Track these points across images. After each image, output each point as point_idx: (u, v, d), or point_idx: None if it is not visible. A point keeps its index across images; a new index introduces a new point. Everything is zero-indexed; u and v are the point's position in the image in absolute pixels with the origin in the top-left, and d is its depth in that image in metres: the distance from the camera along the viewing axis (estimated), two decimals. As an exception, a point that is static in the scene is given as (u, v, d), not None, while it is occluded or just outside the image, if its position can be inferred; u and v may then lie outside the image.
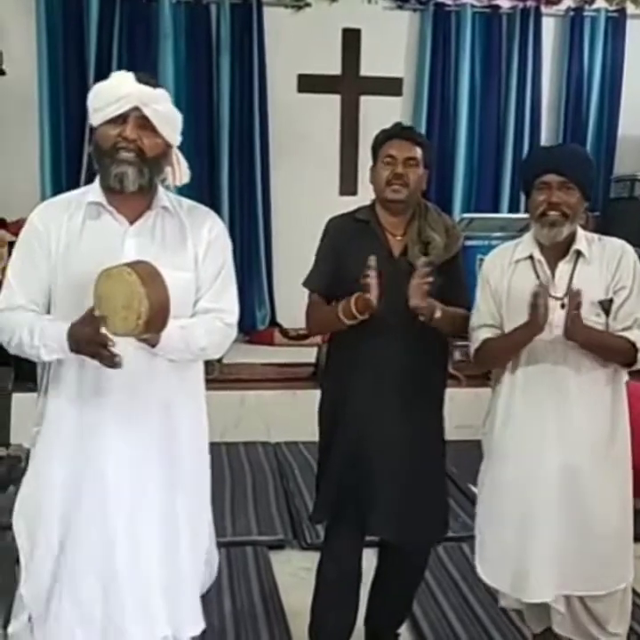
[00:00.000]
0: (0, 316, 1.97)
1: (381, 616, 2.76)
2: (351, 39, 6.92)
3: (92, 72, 6.28)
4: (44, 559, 1.97)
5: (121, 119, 1.90)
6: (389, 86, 6.99)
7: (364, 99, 6.96)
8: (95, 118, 1.92)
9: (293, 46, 6.72)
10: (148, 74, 2.00)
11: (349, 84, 6.94)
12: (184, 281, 1.97)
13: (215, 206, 6.70)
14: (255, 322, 6.94)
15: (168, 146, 1.99)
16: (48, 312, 1.99)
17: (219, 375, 5.51)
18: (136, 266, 1.79)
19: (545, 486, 2.34)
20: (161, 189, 2.04)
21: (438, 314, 2.34)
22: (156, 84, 1.95)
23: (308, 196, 6.71)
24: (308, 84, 6.87)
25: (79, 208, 1.99)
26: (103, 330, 1.80)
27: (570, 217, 2.31)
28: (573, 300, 2.19)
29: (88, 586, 1.95)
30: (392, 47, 6.97)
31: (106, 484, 1.95)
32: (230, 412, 5.09)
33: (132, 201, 1.98)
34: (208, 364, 5.61)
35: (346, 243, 2.49)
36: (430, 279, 2.30)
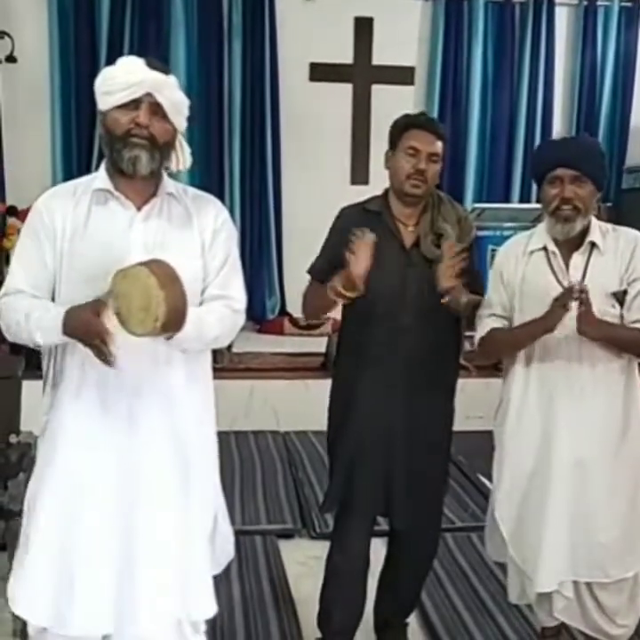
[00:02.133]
0: (2, 303, 1.97)
1: (390, 605, 2.76)
2: (363, 28, 6.89)
3: (104, 60, 6.27)
4: (43, 552, 1.96)
5: (133, 105, 1.89)
6: (401, 75, 6.96)
7: (375, 88, 6.93)
8: (105, 102, 1.91)
9: (305, 35, 6.70)
10: (157, 60, 1.99)
11: (361, 73, 6.92)
12: (192, 268, 1.96)
13: (226, 194, 6.74)
14: (265, 311, 6.95)
15: (175, 131, 1.99)
16: (52, 298, 1.98)
17: (228, 364, 5.53)
18: (154, 267, 1.77)
19: (557, 476, 2.34)
20: (166, 177, 2.04)
21: (465, 298, 2.34)
22: (167, 71, 1.95)
23: (319, 185, 6.70)
24: (320, 72, 6.85)
25: (85, 194, 1.97)
26: (108, 323, 1.80)
27: (582, 211, 2.29)
28: (582, 297, 2.17)
29: (95, 573, 1.95)
30: (404, 36, 6.94)
31: (110, 475, 1.95)
32: (240, 402, 5.10)
33: (140, 187, 1.97)
34: (217, 353, 5.63)
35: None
36: (463, 255, 2.29)
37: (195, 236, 2.02)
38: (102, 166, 2.01)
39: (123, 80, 1.88)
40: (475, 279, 2.49)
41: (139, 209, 1.97)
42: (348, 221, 2.52)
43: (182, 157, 2.05)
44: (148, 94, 1.89)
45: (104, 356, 1.82)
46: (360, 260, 2.23)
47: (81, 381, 1.96)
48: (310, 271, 2.58)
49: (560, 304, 2.20)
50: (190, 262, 1.96)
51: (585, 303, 2.18)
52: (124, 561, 1.96)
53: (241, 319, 2.10)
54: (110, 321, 1.80)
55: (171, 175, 2.09)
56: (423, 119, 2.45)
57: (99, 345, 1.81)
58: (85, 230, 1.94)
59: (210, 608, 2.08)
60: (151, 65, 1.91)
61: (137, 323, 1.77)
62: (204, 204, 2.08)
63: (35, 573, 1.96)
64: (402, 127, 2.43)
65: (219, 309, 2.01)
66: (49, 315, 1.88)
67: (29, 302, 1.93)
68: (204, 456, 2.11)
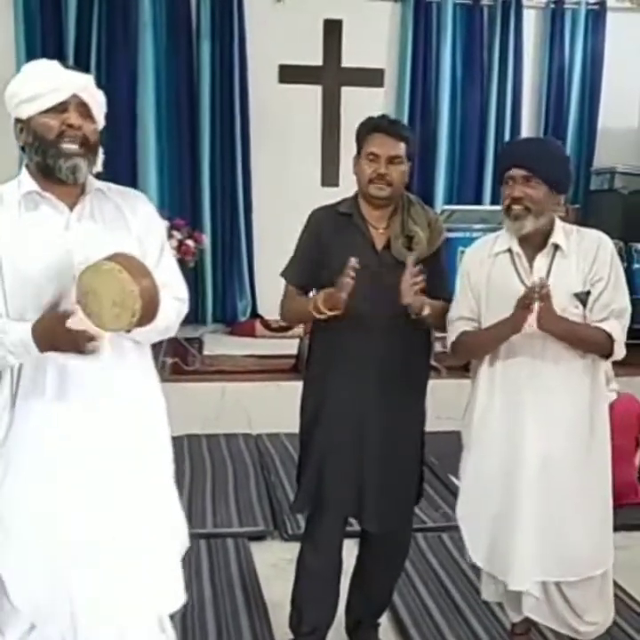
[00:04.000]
0: None
1: (362, 605, 2.77)
2: (333, 30, 6.90)
3: (71, 61, 6.22)
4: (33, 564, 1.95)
5: (60, 107, 1.87)
6: (371, 77, 6.98)
7: (345, 90, 6.94)
8: (28, 108, 1.87)
9: (275, 37, 6.69)
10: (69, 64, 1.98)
11: (331, 75, 6.93)
12: None
13: (196, 197, 6.71)
14: (236, 313, 6.93)
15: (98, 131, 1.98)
16: None
17: (200, 367, 5.51)
18: (122, 261, 1.76)
19: (524, 476, 2.36)
20: (89, 175, 2.01)
21: (427, 310, 2.36)
22: (83, 72, 1.93)
23: (289, 187, 6.70)
24: (290, 74, 6.84)
25: (13, 202, 1.93)
26: (84, 323, 1.78)
27: (533, 211, 2.32)
28: (542, 292, 2.20)
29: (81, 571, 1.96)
30: (374, 38, 6.96)
31: (82, 473, 1.95)
32: (211, 404, 5.09)
33: (68, 187, 1.94)
34: (189, 355, 5.58)
35: (328, 236, 2.48)
36: (421, 277, 2.30)
37: (130, 230, 2.01)
38: (23, 170, 1.97)
39: (46, 83, 1.85)
40: (441, 285, 2.52)
41: (70, 209, 1.95)
42: (320, 223, 2.53)
43: (99, 159, 2.02)
44: (74, 95, 1.87)
45: (91, 349, 1.81)
46: (348, 286, 2.26)
47: (42, 386, 1.93)
48: (285, 276, 2.58)
49: (523, 305, 2.22)
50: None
51: (545, 299, 2.20)
52: (125, 551, 1.98)
53: (185, 307, 2.11)
54: (81, 320, 1.79)
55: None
56: (383, 123, 2.45)
57: (84, 344, 1.79)
58: (21, 239, 1.90)
59: (177, 599, 2.10)
60: (68, 67, 1.90)
61: (111, 319, 1.76)
62: (131, 199, 2.07)
63: (37, 583, 1.95)
64: (364, 132, 2.46)
65: (166, 300, 1.99)
66: (14, 335, 1.84)
67: None
68: (162, 447, 2.12)
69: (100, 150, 2.01)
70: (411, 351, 2.51)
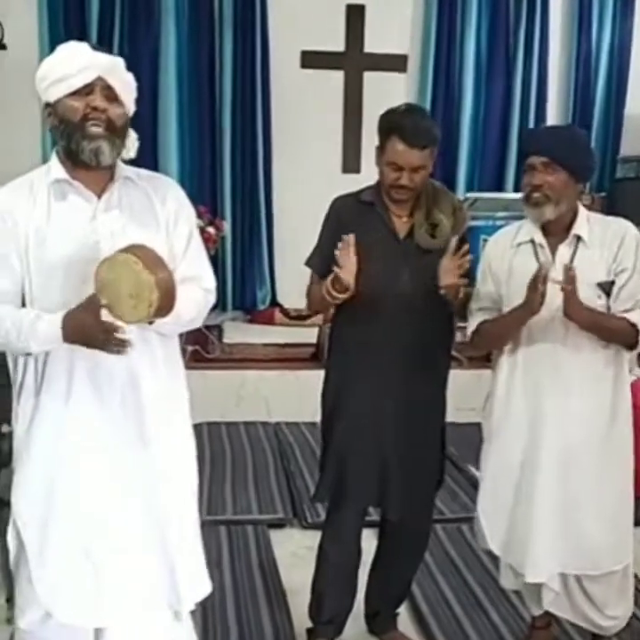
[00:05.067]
0: None
1: (381, 596, 2.77)
2: (355, 15, 6.83)
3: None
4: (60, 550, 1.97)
5: (86, 90, 1.85)
6: (394, 63, 6.92)
7: (367, 75, 6.88)
8: (55, 92, 1.86)
9: (297, 22, 6.64)
10: (100, 46, 1.95)
11: (353, 61, 6.87)
12: (160, 252, 1.90)
13: (217, 182, 6.70)
14: (256, 301, 6.92)
15: (127, 115, 1.94)
16: (22, 301, 1.93)
17: (219, 355, 5.52)
18: (138, 252, 1.76)
19: (544, 468, 2.35)
20: (119, 161, 1.99)
21: (462, 294, 2.35)
22: (111, 53, 1.91)
23: (310, 173, 6.67)
24: (312, 60, 6.79)
25: (42, 189, 1.93)
26: (105, 316, 1.78)
27: (553, 198, 2.29)
28: (567, 276, 2.17)
29: (118, 563, 1.98)
30: (397, 23, 6.88)
31: (118, 469, 1.97)
32: (231, 392, 5.09)
33: (97, 174, 1.92)
34: (209, 343, 5.59)
35: (350, 224, 2.45)
36: (468, 257, 2.28)
37: (158, 219, 1.99)
38: (54, 156, 1.96)
39: (71, 64, 1.84)
40: (467, 272, 2.49)
41: (98, 197, 1.94)
42: (342, 212, 2.51)
43: (131, 144, 2.00)
44: (100, 78, 1.85)
45: (120, 346, 1.81)
46: (346, 265, 2.26)
47: (70, 384, 1.93)
48: (309, 265, 2.57)
49: (534, 285, 2.19)
50: (158, 245, 1.91)
51: (571, 285, 2.17)
52: (153, 539, 2.00)
53: (212, 297, 2.09)
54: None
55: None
56: (407, 128, 2.30)
57: (111, 339, 1.79)
58: (49, 228, 1.90)
59: (201, 590, 2.13)
60: (96, 48, 1.87)
61: (128, 310, 1.76)
62: (161, 186, 2.05)
63: (58, 572, 1.96)
64: (386, 129, 2.37)
65: (191, 290, 1.99)
66: (42, 324, 1.84)
67: (8, 311, 1.87)
68: (185, 439, 2.13)
69: (134, 136, 1.99)
70: (432, 340, 2.49)
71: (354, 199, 2.52)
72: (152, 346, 1.99)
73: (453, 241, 2.32)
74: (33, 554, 1.96)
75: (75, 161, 1.90)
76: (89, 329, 1.80)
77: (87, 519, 1.96)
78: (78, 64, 1.83)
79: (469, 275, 2.42)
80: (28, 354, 1.91)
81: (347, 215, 2.49)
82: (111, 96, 1.87)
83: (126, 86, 1.91)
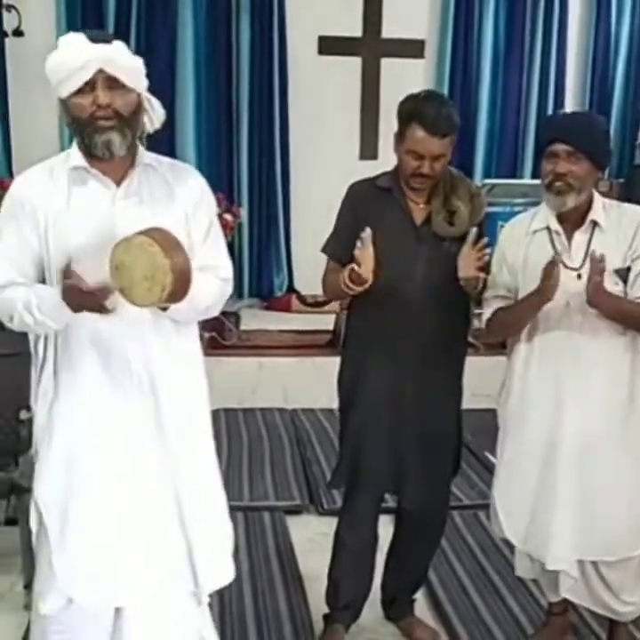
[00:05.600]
0: None
1: (398, 582, 2.77)
2: (372, 0, 6.80)
3: (111, 32, 6.22)
4: (78, 533, 1.98)
5: (89, 86, 1.83)
6: (411, 49, 6.87)
7: (385, 61, 6.85)
8: (62, 90, 1.86)
9: (314, 8, 6.62)
10: (99, 31, 1.92)
11: (371, 47, 6.84)
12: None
13: (234, 169, 6.70)
14: (273, 288, 6.93)
15: (139, 95, 1.93)
16: (43, 282, 1.95)
17: (236, 342, 5.54)
18: (155, 234, 1.75)
19: (562, 454, 2.34)
20: (141, 147, 1.99)
21: (481, 285, 2.34)
22: (111, 39, 1.87)
23: (327, 160, 6.65)
24: (329, 46, 6.76)
25: (62, 174, 1.94)
26: (113, 299, 1.79)
27: (575, 187, 2.27)
28: (595, 266, 2.17)
29: (136, 543, 2.00)
30: (414, 9, 6.85)
31: (139, 449, 1.99)
32: (248, 379, 5.11)
33: (116, 161, 1.92)
34: (226, 330, 5.60)
35: (367, 210, 2.44)
36: (488, 250, 2.27)
37: (177, 206, 1.99)
38: (74, 143, 1.96)
39: (71, 63, 1.82)
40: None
41: (118, 184, 1.94)
42: (358, 197, 2.50)
43: (154, 115, 1.99)
44: (100, 70, 1.82)
45: (106, 308, 1.82)
46: (366, 261, 2.25)
47: (86, 362, 1.95)
48: (325, 251, 2.57)
49: (548, 273, 2.18)
50: (176, 233, 1.90)
51: (598, 274, 2.16)
52: (172, 525, 2.01)
53: (229, 287, 2.09)
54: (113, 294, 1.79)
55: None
56: (428, 115, 2.28)
57: (103, 305, 1.81)
58: (68, 212, 1.91)
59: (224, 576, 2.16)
60: (93, 38, 1.84)
61: (142, 293, 1.76)
62: (182, 174, 2.05)
63: (78, 554, 1.98)
64: (406, 116, 2.34)
65: (208, 279, 1.99)
66: (46, 303, 1.86)
67: (21, 293, 1.90)
68: (203, 427, 2.13)
69: (157, 105, 1.98)
70: (449, 327, 2.49)
71: (371, 185, 2.50)
72: (167, 333, 1.99)
73: (473, 231, 2.30)
74: (54, 537, 1.98)
75: (90, 154, 1.91)
76: (78, 295, 1.80)
77: (105, 500, 1.97)
78: (76, 63, 1.81)
79: (487, 265, 2.42)
80: (52, 330, 1.92)
81: (363, 201, 2.48)
82: (115, 85, 1.85)
83: (130, 71, 1.88)
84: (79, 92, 1.84)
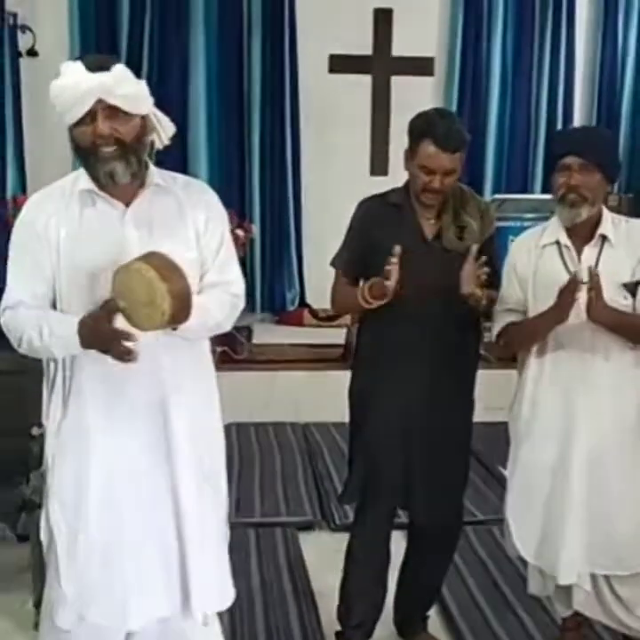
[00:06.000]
0: (5, 317, 1.94)
1: (411, 599, 2.76)
2: (383, 19, 6.83)
3: (124, 52, 6.29)
4: (87, 552, 1.98)
5: (89, 117, 1.83)
6: (421, 66, 6.90)
7: (395, 79, 6.88)
8: (65, 119, 1.86)
9: (325, 26, 6.65)
10: (99, 55, 1.93)
11: (381, 65, 6.87)
12: (188, 258, 1.93)
13: (246, 186, 6.73)
14: (285, 302, 6.94)
15: (143, 118, 1.92)
16: (54, 306, 1.96)
17: (248, 356, 5.54)
18: (152, 260, 1.76)
19: (574, 470, 2.34)
20: (152, 166, 1.99)
21: (485, 301, 2.34)
22: (109, 65, 1.85)
23: (338, 176, 6.68)
24: (340, 64, 6.80)
25: (73, 196, 1.94)
26: (122, 324, 1.80)
27: (589, 199, 2.29)
28: (592, 281, 2.17)
29: (145, 564, 2.00)
30: (424, 27, 6.88)
31: (145, 467, 1.99)
32: (260, 393, 5.11)
33: (125, 185, 1.92)
34: (238, 344, 5.60)
35: (377, 226, 2.46)
36: (486, 269, 2.28)
37: (188, 225, 2.00)
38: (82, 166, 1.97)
39: (70, 95, 1.81)
40: (495, 274, 2.48)
41: (127, 205, 1.94)
42: (369, 213, 2.52)
43: (163, 131, 1.99)
44: (99, 100, 1.81)
45: (127, 354, 1.81)
46: (393, 275, 2.25)
47: (97, 381, 1.95)
48: (334, 264, 2.58)
49: (566, 293, 2.19)
50: (186, 253, 1.93)
51: (595, 289, 2.17)
52: (172, 549, 2.01)
53: (241, 303, 2.10)
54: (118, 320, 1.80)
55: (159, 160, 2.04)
56: (439, 131, 2.31)
57: (119, 347, 1.80)
58: (79, 233, 1.92)
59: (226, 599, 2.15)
60: (91, 67, 1.82)
61: (144, 318, 1.77)
62: (194, 191, 2.06)
63: (87, 572, 1.98)
64: (417, 134, 2.37)
65: (218, 295, 2.01)
66: (61, 328, 1.86)
67: (36, 315, 1.90)
68: (218, 443, 2.14)
69: (166, 120, 1.98)
70: (460, 341, 2.49)
71: (381, 201, 2.52)
72: (178, 350, 2.00)
73: (474, 247, 2.32)
74: (63, 554, 1.99)
75: (96, 181, 1.92)
76: (101, 334, 1.81)
77: (114, 522, 1.98)
78: (74, 95, 1.81)
79: (494, 281, 2.43)
80: (56, 357, 1.94)
81: (374, 217, 2.50)
82: (116, 113, 1.85)
83: (131, 97, 1.86)
84: (80, 122, 1.84)
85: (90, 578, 1.98)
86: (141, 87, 1.91)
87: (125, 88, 1.85)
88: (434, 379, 2.45)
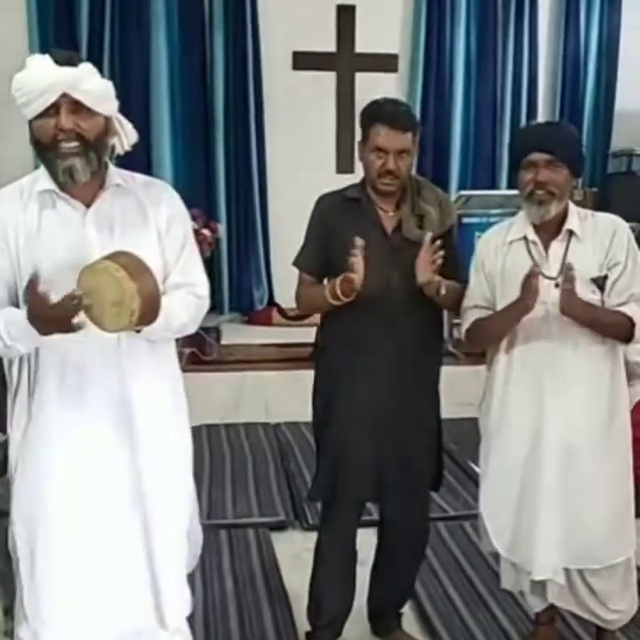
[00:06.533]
0: None
1: (384, 595, 2.76)
2: (346, 15, 6.84)
3: (85, 50, 6.21)
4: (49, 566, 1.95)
5: (53, 109, 1.80)
6: (385, 63, 6.92)
7: (359, 76, 6.89)
8: (26, 112, 1.83)
9: (288, 23, 6.64)
10: (66, 51, 1.88)
11: (345, 61, 6.88)
12: (151, 259, 1.88)
13: (211, 186, 6.69)
14: (253, 302, 6.92)
15: (107, 119, 1.90)
16: (17, 305, 1.91)
17: (217, 357, 5.51)
18: (121, 259, 1.73)
19: (545, 463, 2.35)
20: (112, 167, 1.97)
21: (443, 290, 2.33)
22: (77, 61, 1.84)
23: (304, 174, 6.66)
24: (304, 61, 6.80)
25: (31, 197, 1.91)
26: (80, 317, 1.75)
27: (557, 195, 2.30)
28: (567, 274, 2.18)
29: (106, 574, 1.97)
30: (387, 23, 6.90)
31: (106, 474, 1.96)
32: (230, 394, 5.09)
33: (85, 183, 1.89)
34: (206, 345, 5.56)
35: (337, 222, 2.45)
36: (439, 254, 2.28)
37: (149, 225, 1.97)
38: (42, 166, 1.93)
39: (35, 86, 1.79)
40: (454, 267, 2.48)
41: (88, 206, 1.91)
42: (327, 209, 2.51)
43: (125, 137, 1.97)
44: (64, 94, 1.79)
45: (74, 327, 1.76)
46: (359, 269, 2.24)
47: (59, 386, 1.92)
48: (297, 265, 2.56)
49: (527, 282, 2.19)
50: (148, 253, 1.89)
51: (569, 281, 2.17)
52: (138, 559, 1.98)
53: (205, 304, 2.07)
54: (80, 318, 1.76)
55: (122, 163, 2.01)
56: (388, 112, 2.36)
57: (70, 323, 1.76)
58: (39, 236, 1.88)
59: (181, 611, 2.10)
60: (59, 61, 1.81)
61: (111, 319, 1.73)
62: (155, 192, 2.03)
63: (50, 585, 1.95)
64: (368, 119, 2.41)
65: (183, 297, 1.98)
66: (15, 327, 1.82)
67: None
68: (182, 448, 2.11)
69: (129, 128, 1.97)
70: (424, 334, 2.49)
71: (339, 196, 2.51)
72: (141, 353, 1.97)
73: (428, 235, 2.32)
74: (25, 569, 1.96)
75: (54, 179, 1.88)
76: (45, 315, 1.75)
77: (70, 533, 1.94)
78: (39, 86, 1.78)
79: (454, 273, 2.43)
80: (22, 354, 1.89)
81: (333, 213, 2.48)
82: (80, 109, 1.82)
83: (96, 95, 1.84)
84: (43, 114, 1.81)
85: (48, 598, 1.95)
86: (108, 87, 1.89)
87: (91, 84, 1.83)
88: (399, 374, 2.43)
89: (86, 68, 1.84)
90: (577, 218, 2.36)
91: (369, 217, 2.44)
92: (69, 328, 1.76)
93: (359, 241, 2.24)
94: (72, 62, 1.82)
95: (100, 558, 1.96)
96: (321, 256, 2.48)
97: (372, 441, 2.47)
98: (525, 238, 2.38)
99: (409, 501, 2.53)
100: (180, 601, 2.08)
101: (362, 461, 2.48)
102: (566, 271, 2.18)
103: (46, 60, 1.82)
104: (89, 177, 1.87)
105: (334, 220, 2.46)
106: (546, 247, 2.36)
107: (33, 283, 1.76)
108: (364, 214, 2.44)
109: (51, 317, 1.76)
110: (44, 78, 1.79)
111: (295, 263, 2.56)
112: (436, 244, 2.29)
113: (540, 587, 2.50)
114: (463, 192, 6.00)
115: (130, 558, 1.98)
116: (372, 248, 2.32)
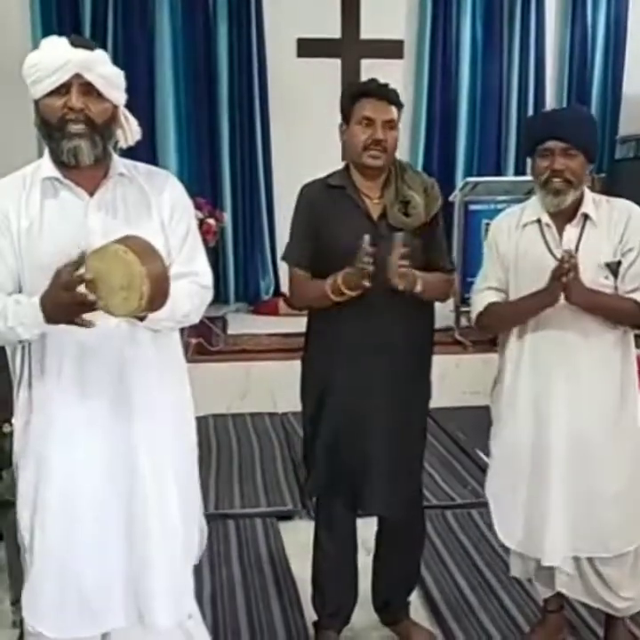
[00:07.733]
0: None
1: (388, 586, 2.74)
2: (351, 1, 6.78)
3: (88, 38, 6.19)
4: (49, 559, 1.94)
5: (64, 89, 1.80)
6: (390, 49, 6.84)
7: (365, 62, 6.82)
8: (35, 91, 1.82)
9: (292, 10, 6.60)
10: (82, 37, 1.88)
11: (350, 48, 6.80)
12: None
13: (216, 175, 6.68)
14: (259, 292, 6.91)
15: (115, 108, 1.90)
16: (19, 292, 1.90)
17: (224, 347, 5.51)
18: (129, 242, 1.71)
19: (555, 451, 2.34)
20: (115, 156, 1.96)
21: (419, 287, 2.29)
22: (93, 46, 1.85)
23: (309, 162, 6.58)
24: (308, 48, 6.72)
25: (35, 185, 1.90)
26: (88, 315, 1.74)
27: (574, 183, 2.27)
28: (569, 262, 2.16)
29: (102, 571, 1.95)
30: (392, 9, 6.86)
31: (106, 467, 1.94)
32: (236, 384, 5.09)
33: (88, 171, 1.88)
34: (213, 335, 5.56)
35: (321, 209, 2.41)
36: (405, 262, 2.22)
37: (153, 215, 1.96)
38: (46, 153, 1.92)
39: (48, 65, 1.78)
40: (438, 254, 2.45)
41: (91, 194, 1.90)
42: (312, 198, 2.45)
43: (129, 132, 1.97)
44: (77, 75, 1.79)
45: (86, 323, 1.75)
46: (367, 265, 2.19)
47: (61, 376, 1.91)
48: (287, 259, 2.50)
49: (557, 276, 2.17)
50: (152, 242, 1.84)
51: (573, 270, 2.15)
52: (132, 555, 1.96)
53: (209, 294, 2.05)
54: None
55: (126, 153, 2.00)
56: (374, 86, 2.36)
57: (82, 320, 1.74)
58: (41, 224, 1.87)
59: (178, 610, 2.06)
60: (75, 43, 1.81)
61: (120, 303, 1.70)
62: (158, 181, 2.01)
63: (42, 582, 1.94)
64: (352, 97, 2.37)
65: (186, 286, 1.96)
66: (22, 308, 1.80)
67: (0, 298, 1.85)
68: (185, 441, 2.09)
69: (134, 123, 1.96)
70: (414, 324, 2.44)
71: (322, 184, 2.46)
72: (145, 343, 1.95)
73: (398, 236, 2.25)
74: (29, 560, 1.96)
75: (60, 163, 1.87)
76: (65, 307, 1.73)
77: (70, 525, 1.93)
78: (54, 64, 1.78)
79: (438, 264, 2.40)
80: (21, 341, 1.88)
81: (317, 201, 2.43)
82: (91, 92, 1.82)
83: (108, 80, 1.85)
84: (53, 93, 1.81)
85: (45, 585, 1.94)
86: (120, 76, 1.89)
87: (104, 69, 1.84)
88: (389, 365, 2.39)
89: (101, 53, 1.86)
90: (592, 202, 2.34)
91: (354, 204, 2.39)
92: (80, 322, 1.75)
93: (366, 238, 2.19)
94: (88, 46, 1.84)
95: (95, 548, 1.94)
96: (309, 247, 2.43)
97: (363, 437, 2.43)
98: (539, 221, 2.35)
99: (400, 493, 2.49)
100: (187, 587, 2.07)
101: (353, 456, 2.45)
102: (569, 259, 2.16)
103: (62, 40, 1.83)
104: (93, 160, 1.86)
105: (319, 208, 2.42)
106: (560, 231, 2.33)
107: (71, 265, 1.71)
108: (349, 202, 2.39)
109: (64, 303, 1.73)
110: (59, 55, 1.79)
111: (284, 258, 2.51)
112: (405, 249, 2.22)
113: (548, 575, 2.49)
114: (469, 179, 5.96)
115: (122, 558, 1.96)
116: (358, 235, 2.24)
